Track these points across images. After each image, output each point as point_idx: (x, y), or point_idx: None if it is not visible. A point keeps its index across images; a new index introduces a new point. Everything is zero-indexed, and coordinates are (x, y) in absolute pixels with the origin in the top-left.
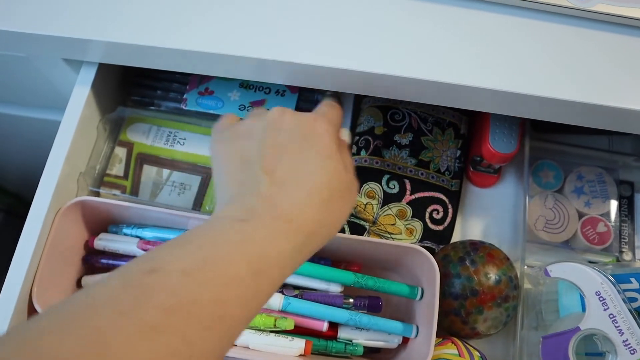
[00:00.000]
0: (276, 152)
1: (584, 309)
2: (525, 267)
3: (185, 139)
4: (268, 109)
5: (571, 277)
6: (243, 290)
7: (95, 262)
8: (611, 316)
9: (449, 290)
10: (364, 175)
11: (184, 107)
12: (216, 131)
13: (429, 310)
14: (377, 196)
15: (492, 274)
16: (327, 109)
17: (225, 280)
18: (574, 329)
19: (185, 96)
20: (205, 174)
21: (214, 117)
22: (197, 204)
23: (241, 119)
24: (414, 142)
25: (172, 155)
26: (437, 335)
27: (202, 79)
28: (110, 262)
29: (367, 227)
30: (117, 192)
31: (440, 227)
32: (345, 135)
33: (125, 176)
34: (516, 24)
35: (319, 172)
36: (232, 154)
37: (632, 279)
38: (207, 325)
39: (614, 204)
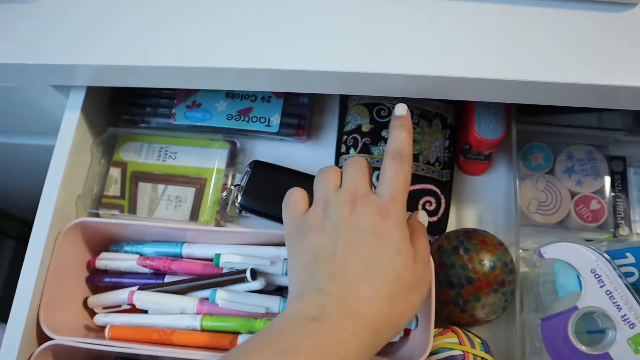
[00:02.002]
0: (348, 249)
1: (581, 288)
2: (520, 250)
3: (176, 152)
4: (344, 177)
5: (565, 257)
6: None
7: (98, 281)
8: (608, 292)
9: (445, 280)
10: None
11: (173, 122)
12: (289, 225)
13: (426, 301)
14: None
15: (487, 261)
16: (393, 185)
17: None
18: (571, 309)
19: (173, 111)
20: (198, 184)
21: (203, 129)
22: (194, 216)
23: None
24: None
25: (165, 170)
26: (437, 325)
27: (189, 92)
28: (114, 280)
29: None
30: (116, 212)
31: (435, 219)
32: (423, 218)
33: (122, 195)
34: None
35: (388, 268)
36: (305, 249)
37: (628, 254)
38: None
39: (606, 180)
